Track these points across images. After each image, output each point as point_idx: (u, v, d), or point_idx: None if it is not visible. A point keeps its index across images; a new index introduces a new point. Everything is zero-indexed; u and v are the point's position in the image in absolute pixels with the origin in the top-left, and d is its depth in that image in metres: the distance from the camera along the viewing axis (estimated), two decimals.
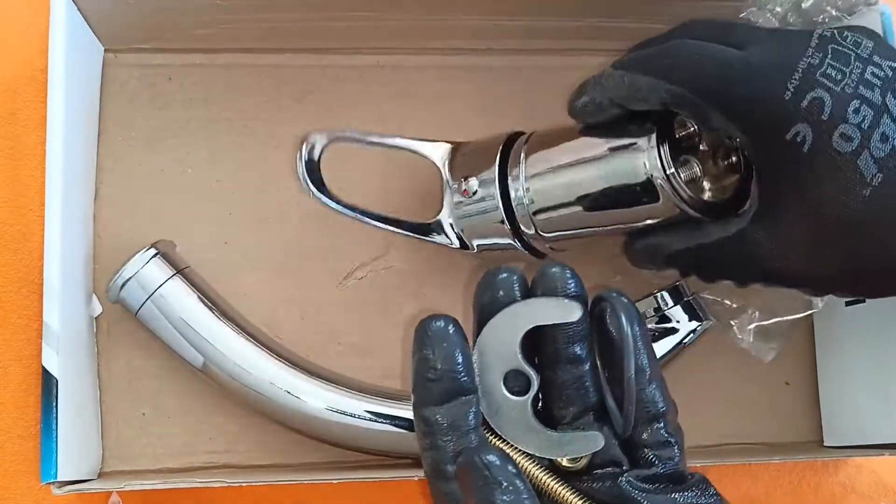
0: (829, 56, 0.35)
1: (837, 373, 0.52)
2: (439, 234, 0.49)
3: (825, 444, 0.53)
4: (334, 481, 0.45)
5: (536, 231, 0.46)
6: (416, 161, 0.50)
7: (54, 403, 0.43)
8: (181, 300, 0.46)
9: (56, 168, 0.44)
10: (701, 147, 0.42)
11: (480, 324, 0.35)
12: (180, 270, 0.47)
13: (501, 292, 0.35)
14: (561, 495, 0.33)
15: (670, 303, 0.48)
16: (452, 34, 0.53)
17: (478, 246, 0.49)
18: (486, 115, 0.54)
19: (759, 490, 0.53)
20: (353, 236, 0.51)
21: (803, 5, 0.50)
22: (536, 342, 0.35)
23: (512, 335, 0.34)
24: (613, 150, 0.42)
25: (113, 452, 0.49)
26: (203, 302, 0.47)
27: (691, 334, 0.49)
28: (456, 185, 0.48)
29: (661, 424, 0.34)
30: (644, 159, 0.40)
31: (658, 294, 0.49)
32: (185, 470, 0.49)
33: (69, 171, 0.45)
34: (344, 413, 0.46)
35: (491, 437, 0.34)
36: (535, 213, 0.45)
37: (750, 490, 0.53)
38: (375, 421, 0.46)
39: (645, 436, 0.34)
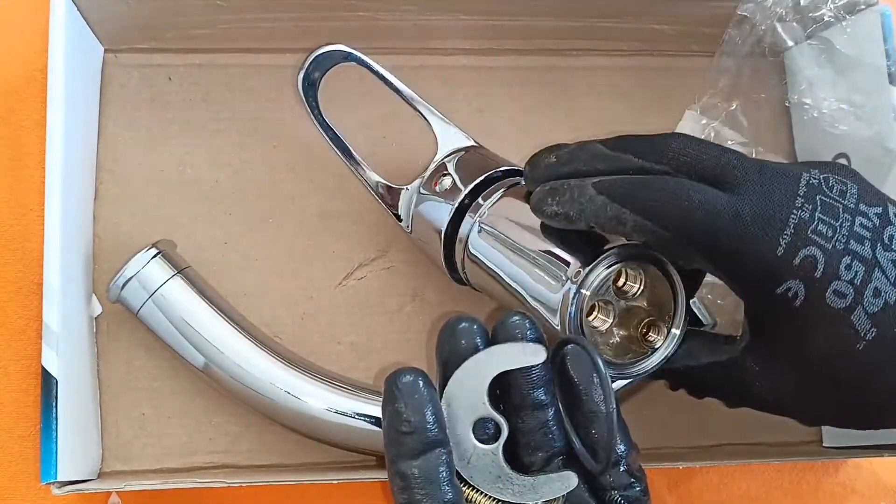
0: (819, 209, 0.35)
1: None
2: (394, 201, 0.49)
3: (824, 444, 0.53)
4: (335, 482, 0.45)
5: (462, 266, 0.46)
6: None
7: (54, 404, 0.43)
8: (182, 300, 0.46)
9: (56, 168, 0.44)
10: (632, 304, 0.40)
11: (445, 374, 0.35)
12: (181, 270, 0.47)
13: (463, 341, 0.35)
14: None
15: None
16: (453, 35, 0.53)
17: (414, 236, 0.49)
18: (486, 116, 0.54)
19: (758, 490, 0.53)
20: (354, 237, 0.51)
21: (801, 2, 0.50)
22: (501, 390, 0.36)
23: (479, 384, 0.35)
24: (548, 257, 0.40)
25: (113, 452, 0.49)
26: (204, 302, 0.47)
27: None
28: (435, 172, 0.48)
29: (625, 467, 0.35)
30: (564, 290, 0.39)
31: None
32: (184, 470, 0.49)
33: (69, 171, 0.45)
34: (344, 414, 0.46)
35: (465, 488, 0.34)
36: (467, 253, 0.45)
37: (750, 490, 0.53)
38: (375, 422, 0.46)
39: (611, 478, 0.35)
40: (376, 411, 0.46)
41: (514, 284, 0.42)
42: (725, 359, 0.39)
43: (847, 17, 0.50)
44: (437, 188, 0.47)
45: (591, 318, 0.40)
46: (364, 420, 0.46)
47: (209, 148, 0.52)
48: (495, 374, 0.35)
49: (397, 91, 0.48)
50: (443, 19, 0.51)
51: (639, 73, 0.56)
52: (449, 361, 0.35)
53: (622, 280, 0.40)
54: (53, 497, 0.43)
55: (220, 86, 0.53)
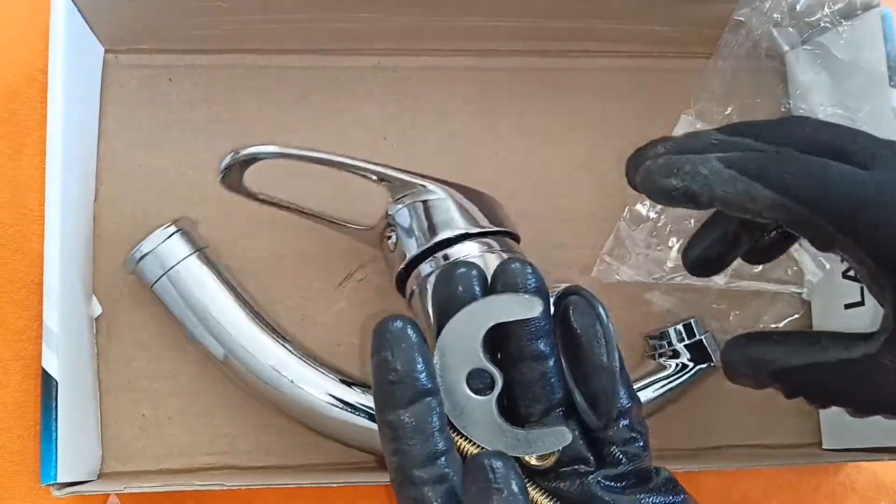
0: None
1: None
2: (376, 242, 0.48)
3: (824, 446, 0.53)
4: (333, 485, 0.45)
5: (409, 299, 0.45)
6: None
7: (54, 405, 0.43)
8: (196, 279, 0.46)
9: (56, 168, 0.44)
10: None
11: (440, 322, 0.34)
12: (199, 249, 0.47)
13: (461, 288, 0.34)
14: (530, 496, 0.33)
15: (684, 338, 0.49)
16: (453, 35, 0.53)
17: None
18: (487, 117, 0.54)
19: (758, 490, 0.53)
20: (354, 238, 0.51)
21: (797, 7, 0.50)
22: (498, 340, 0.35)
23: (473, 334, 0.34)
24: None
25: (112, 453, 0.49)
26: (218, 282, 0.47)
27: (695, 373, 0.50)
28: (387, 226, 0.46)
29: (627, 421, 0.34)
30: None
31: (672, 328, 0.50)
32: (184, 471, 0.49)
33: (69, 171, 0.45)
34: (346, 404, 0.46)
35: (457, 439, 0.34)
36: (420, 292, 0.44)
37: (750, 490, 0.53)
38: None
39: (610, 433, 0.34)
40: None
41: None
42: (860, 355, 0.34)
43: (843, 22, 0.50)
44: (389, 243, 0.46)
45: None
46: (370, 417, 0.46)
47: (209, 149, 0.52)
48: (491, 325, 0.34)
49: (334, 164, 0.45)
50: (443, 20, 0.51)
51: (639, 74, 0.56)
52: (444, 308, 0.34)
53: None
54: (53, 498, 0.43)
55: (220, 86, 0.53)
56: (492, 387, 0.34)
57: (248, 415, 0.50)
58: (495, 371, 0.34)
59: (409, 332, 0.32)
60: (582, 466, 0.34)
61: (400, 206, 0.45)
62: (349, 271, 0.52)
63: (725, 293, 0.52)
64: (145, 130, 0.52)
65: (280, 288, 0.51)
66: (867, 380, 0.34)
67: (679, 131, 0.52)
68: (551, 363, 0.35)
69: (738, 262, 0.43)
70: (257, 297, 0.50)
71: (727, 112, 0.52)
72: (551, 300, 0.35)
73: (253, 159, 0.44)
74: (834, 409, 0.51)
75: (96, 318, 0.49)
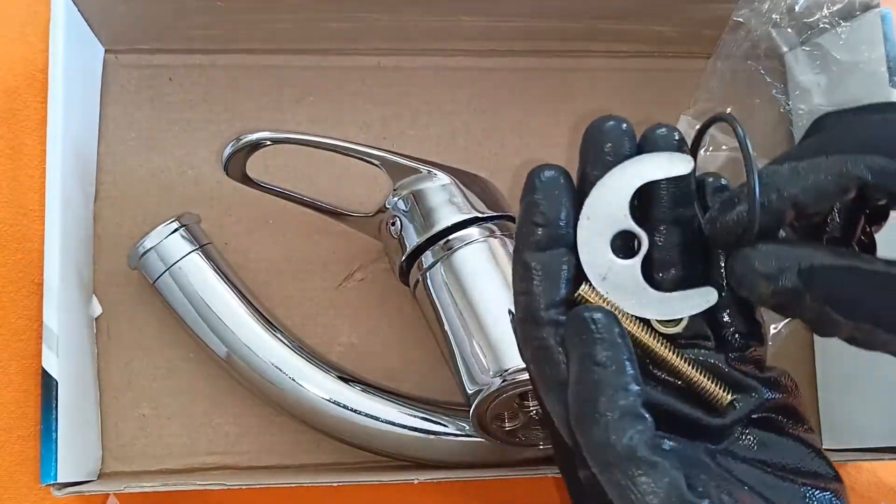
0: None
1: (836, 376, 0.52)
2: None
3: (824, 446, 0.53)
4: (334, 484, 0.45)
5: (413, 289, 0.46)
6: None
7: (54, 405, 0.43)
8: (198, 276, 0.47)
9: (56, 168, 0.44)
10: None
11: (587, 180, 0.34)
12: (201, 246, 0.47)
13: (610, 144, 0.34)
14: (668, 356, 0.33)
15: None
16: (453, 35, 0.53)
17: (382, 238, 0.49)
18: (487, 118, 0.54)
19: None
20: (353, 238, 0.51)
21: (796, 9, 0.50)
22: (642, 203, 0.34)
23: (622, 194, 0.33)
24: (489, 342, 0.42)
25: (113, 453, 0.49)
26: (220, 279, 0.47)
27: None
28: (389, 214, 0.46)
29: (749, 307, 0.34)
30: (485, 383, 0.41)
31: None
32: (184, 471, 0.49)
33: (69, 171, 0.45)
34: (346, 406, 0.46)
35: (593, 296, 0.32)
36: (423, 283, 0.45)
37: None
38: (379, 419, 0.46)
39: (732, 314, 0.34)
40: (381, 408, 0.46)
41: (452, 342, 0.43)
42: None
43: (842, 23, 0.50)
44: (391, 231, 0.46)
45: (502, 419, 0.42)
46: (369, 415, 0.46)
47: (210, 148, 0.52)
48: (640, 185, 0.33)
49: (337, 149, 0.46)
50: (444, 20, 0.51)
51: (640, 74, 0.56)
52: (593, 164, 0.34)
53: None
54: (53, 498, 0.43)
55: (220, 86, 0.53)
56: (636, 250, 0.33)
57: (248, 415, 0.50)
58: (642, 232, 0.33)
59: (562, 181, 0.33)
60: (705, 341, 0.34)
61: (403, 191, 0.45)
62: (349, 271, 0.52)
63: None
64: (145, 130, 0.52)
65: (280, 288, 0.51)
66: None
67: None
68: (694, 230, 0.34)
69: None
70: (257, 297, 0.50)
71: (726, 113, 0.52)
72: None
73: (256, 146, 0.44)
74: (832, 410, 0.51)
75: (96, 318, 0.49)
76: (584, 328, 0.30)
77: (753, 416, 0.34)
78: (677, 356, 0.33)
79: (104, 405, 0.49)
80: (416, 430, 0.46)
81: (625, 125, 0.34)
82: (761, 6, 0.48)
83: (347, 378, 0.47)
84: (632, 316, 0.33)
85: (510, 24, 0.52)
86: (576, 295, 0.32)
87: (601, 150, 0.34)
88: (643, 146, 0.34)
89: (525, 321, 0.32)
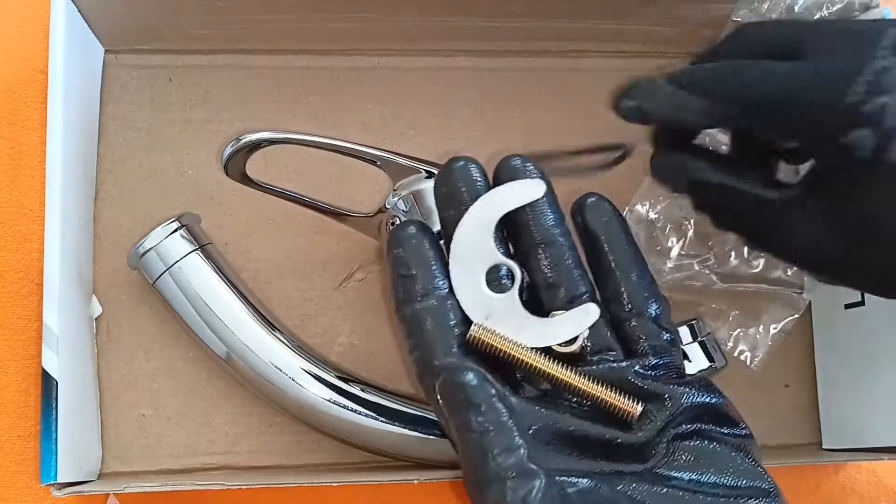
0: None
1: (837, 375, 0.52)
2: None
3: (824, 446, 0.53)
4: (334, 484, 0.45)
5: None
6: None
7: (54, 405, 0.43)
8: (198, 276, 0.46)
9: (56, 169, 0.44)
10: None
11: (445, 224, 0.34)
12: (201, 246, 0.47)
13: (462, 185, 0.34)
14: (566, 377, 0.33)
15: (688, 339, 0.49)
16: (453, 36, 0.53)
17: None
18: (487, 118, 0.54)
19: None
20: (353, 238, 0.51)
21: (795, 9, 0.50)
22: (512, 235, 0.35)
23: (485, 230, 0.34)
24: None
25: (113, 453, 0.49)
26: (220, 279, 0.47)
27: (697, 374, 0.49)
28: (389, 214, 0.46)
29: (654, 312, 0.35)
30: None
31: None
32: (184, 471, 0.49)
33: (69, 171, 0.45)
34: (346, 407, 0.46)
35: (485, 334, 0.33)
36: None
37: None
38: (379, 419, 0.46)
39: (636, 324, 0.34)
40: (381, 408, 0.46)
41: None
42: (773, 198, 0.36)
43: None
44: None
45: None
46: (368, 415, 0.46)
47: (210, 148, 0.52)
48: (501, 216, 0.34)
49: (337, 149, 0.45)
50: (444, 21, 0.51)
51: (640, 74, 0.56)
52: (449, 207, 0.34)
53: None
54: (53, 498, 0.43)
55: (220, 86, 0.53)
56: (512, 282, 0.34)
57: (248, 414, 0.50)
58: (512, 263, 0.34)
59: (422, 233, 0.34)
60: (611, 354, 0.34)
61: (403, 191, 0.45)
62: (349, 271, 0.52)
63: (725, 293, 0.52)
64: (145, 130, 0.52)
65: (280, 288, 0.51)
66: (773, 218, 0.35)
67: None
68: (567, 248, 0.35)
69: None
70: (257, 296, 0.50)
71: None
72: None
73: (256, 146, 0.44)
74: (833, 410, 0.51)
75: (96, 318, 0.49)
76: (456, 396, 0.30)
77: (680, 429, 0.33)
78: (577, 375, 0.33)
79: (104, 405, 0.49)
80: (416, 430, 0.46)
81: (473, 165, 0.35)
82: (760, 7, 0.48)
83: (347, 378, 0.47)
84: (526, 346, 0.33)
85: (510, 25, 0.52)
86: (468, 337, 0.32)
87: (455, 191, 0.34)
88: (497, 177, 0.35)
89: (424, 376, 0.32)
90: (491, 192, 0.34)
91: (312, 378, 0.46)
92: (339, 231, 0.51)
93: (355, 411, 0.46)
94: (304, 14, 0.50)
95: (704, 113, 0.35)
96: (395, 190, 0.45)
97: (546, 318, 0.34)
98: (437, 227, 0.43)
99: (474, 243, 0.34)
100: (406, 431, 0.46)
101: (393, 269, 0.33)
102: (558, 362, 0.33)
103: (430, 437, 0.46)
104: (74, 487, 0.44)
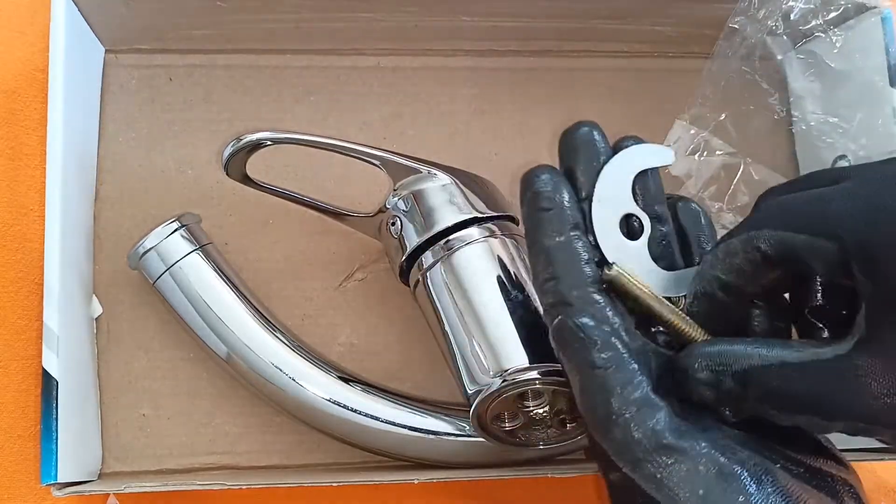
0: None
1: None
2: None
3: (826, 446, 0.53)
4: (335, 484, 0.45)
5: (413, 288, 0.46)
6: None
7: (54, 405, 0.43)
8: (198, 276, 0.46)
9: (56, 169, 0.44)
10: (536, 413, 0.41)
11: (571, 175, 0.36)
12: (201, 246, 0.47)
13: (592, 144, 0.37)
14: (685, 326, 0.34)
15: None
16: (453, 35, 0.53)
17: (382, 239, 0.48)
18: (487, 117, 0.54)
19: None
20: (353, 238, 0.51)
21: (791, 16, 0.50)
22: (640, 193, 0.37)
23: (626, 180, 0.36)
24: (489, 343, 0.41)
25: (113, 453, 0.49)
26: (220, 279, 0.47)
27: None
28: (389, 214, 0.46)
29: None
30: (485, 383, 0.40)
31: None
32: (185, 471, 0.49)
33: (69, 171, 0.45)
34: (346, 407, 0.46)
35: (622, 276, 0.34)
36: (424, 283, 0.44)
37: None
38: (379, 419, 0.46)
39: None
40: (381, 408, 0.46)
41: (452, 342, 0.42)
42: (832, 356, 0.30)
43: (838, 30, 0.50)
44: (392, 231, 0.45)
45: (502, 419, 0.42)
46: (368, 415, 0.46)
47: (210, 148, 0.52)
48: (638, 171, 0.36)
49: (337, 149, 0.45)
50: (444, 20, 0.51)
51: (639, 74, 0.56)
52: (580, 160, 0.36)
53: (527, 400, 0.41)
54: (53, 498, 0.43)
55: (220, 86, 0.53)
56: (641, 232, 0.36)
57: (248, 414, 0.49)
58: (644, 214, 0.36)
59: (559, 177, 0.35)
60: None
61: (403, 191, 0.45)
62: (349, 271, 0.52)
63: None
64: (145, 130, 0.52)
65: (280, 288, 0.51)
66: (837, 381, 0.30)
67: (673, 137, 0.53)
68: (668, 228, 0.38)
69: None
70: (257, 296, 0.50)
71: (721, 118, 0.52)
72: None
73: (256, 146, 0.44)
74: None
75: (96, 318, 0.49)
76: (574, 336, 0.31)
77: None
78: (697, 328, 0.34)
79: (104, 405, 0.49)
80: (416, 430, 0.46)
81: (597, 130, 0.37)
82: (757, 13, 0.48)
83: (347, 378, 0.47)
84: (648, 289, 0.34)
85: (510, 25, 0.52)
86: (605, 276, 0.33)
87: (589, 146, 0.36)
88: (622, 142, 0.37)
89: (556, 305, 0.33)
90: (633, 148, 0.37)
91: (312, 378, 0.46)
92: (340, 231, 0.51)
93: (355, 411, 0.46)
94: (304, 14, 0.50)
95: (810, 249, 0.30)
96: (395, 190, 0.45)
97: (671, 272, 0.36)
98: (437, 228, 0.43)
99: (614, 190, 0.36)
100: (406, 431, 0.46)
101: (532, 203, 0.35)
102: (683, 313, 0.35)
103: (430, 436, 0.46)
104: (75, 487, 0.44)
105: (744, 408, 0.31)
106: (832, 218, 0.30)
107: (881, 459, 0.48)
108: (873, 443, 0.49)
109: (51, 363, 0.43)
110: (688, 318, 0.34)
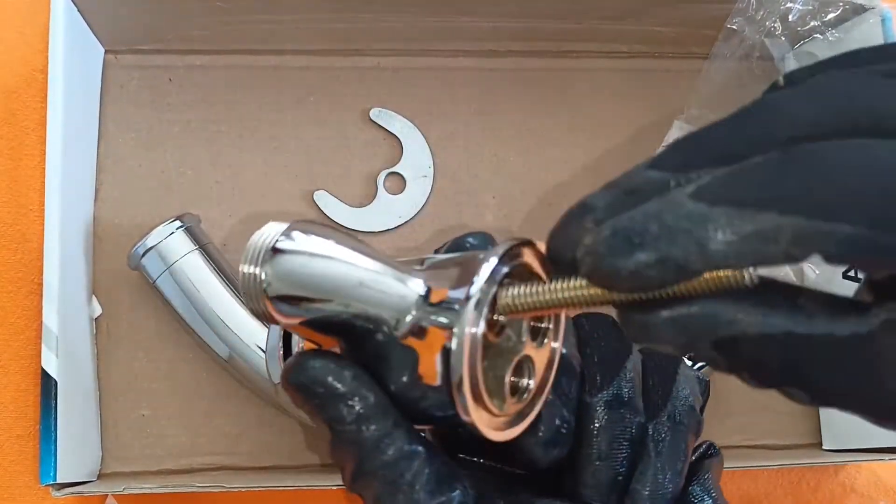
0: None
1: None
2: None
3: (824, 447, 0.53)
4: (333, 487, 0.45)
5: None
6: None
7: (53, 405, 0.43)
8: (198, 275, 0.47)
9: (56, 169, 0.44)
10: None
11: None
12: (202, 245, 0.47)
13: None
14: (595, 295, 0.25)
15: None
16: (454, 36, 0.53)
17: None
18: (488, 118, 0.54)
19: (758, 490, 0.53)
20: None
21: (790, 18, 0.50)
22: None
23: None
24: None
25: (112, 453, 0.49)
26: (219, 279, 0.47)
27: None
28: None
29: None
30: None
31: None
32: (184, 471, 0.49)
33: (69, 171, 0.45)
34: None
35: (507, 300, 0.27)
36: None
37: (750, 490, 0.53)
38: None
39: None
40: None
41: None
42: (849, 333, 0.22)
43: (834, 31, 0.50)
44: None
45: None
46: None
47: (209, 149, 0.52)
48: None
49: None
50: (444, 21, 0.51)
51: (639, 75, 0.56)
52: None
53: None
54: (53, 498, 0.43)
55: (220, 87, 0.53)
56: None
57: (248, 415, 0.49)
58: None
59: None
60: None
61: None
62: None
63: None
64: (145, 130, 0.52)
65: None
66: (854, 359, 0.23)
67: (671, 138, 0.52)
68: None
69: None
70: None
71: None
72: None
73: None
74: (833, 410, 0.51)
75: (96, 318, 0.49)
76: (309, 391, 0.28)
77: None
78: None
79: (104, 405, 0.49)
80: None
81: None
82: (756, 14, 0.48)
83: None
84: None
85: (510, 25, 0.52)
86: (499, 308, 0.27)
87: None
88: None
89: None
90: None
91: None
92: None
93: None
94: (304, 14, 0.50)
95: (809, 239, 0.21)
96: None
97: None
98: None
99: None
100: None
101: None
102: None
103: None
104: (74, 488, 0.44)
105: (715, 368, 0.24)
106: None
107: (881, 460, 0.48)
108: (872, 442, 0.49)
109: (50, 363, 0.43)
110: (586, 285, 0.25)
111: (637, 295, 0.23)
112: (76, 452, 0.45)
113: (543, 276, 0.28)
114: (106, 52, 0.52)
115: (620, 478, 0.31)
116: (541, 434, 0.30)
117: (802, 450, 0.53)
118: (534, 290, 0.26)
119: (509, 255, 0.27)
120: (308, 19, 0.50)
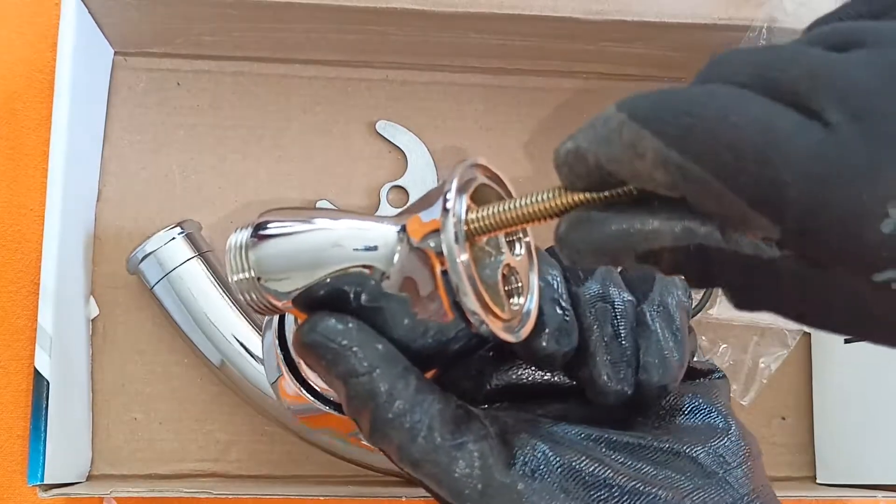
0: None
1: (833, 409, 0.52)
2: None
3: (818, 480, 0.52)
4: (321, 497, 0.45)
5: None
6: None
7: (44, 406, 0.42)
8: (196, 282, 0.47)
9: (58, 168, 0.44)
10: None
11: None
12: (201, 253, 0.47)
13: None
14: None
15: None
16: (462, 52, 0.53)
17: None
18: (494, 134, 0.54)
19: None
20: None
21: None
22: None
23: None
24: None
25: (102, 456, 0.49)
26: (217, 287, 0.47)
27: None
28: None
29: None
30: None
31: None
32: (173, 476, 0.49)
33: (71, 171, 0.45)
34: None
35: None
36: None
37: None
38: None
39: None
40: None
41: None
42: (766, 258, 0.22)
43: None
44: None
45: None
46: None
47: (214, 154, 0.52)
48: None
49: None
50: (454, 37, 0.51)
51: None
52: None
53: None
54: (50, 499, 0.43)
55: (227, 93, 0.53)
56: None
57: (239, 423, 0.49)
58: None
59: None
60: None
61: None
62: None
63: (716, 325, 0.52)
64: (151, 133, 0.52)
65: None
66: (765, 276, 0.23)
67: None
68: None
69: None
70: None
71: None
72: None
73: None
74: (828, 444, 0.51)
75: (92, 320, 0.49)
76: (322, 348, 0.28)
77: None
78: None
79: (96, 407, 0.49)
80: None
81: None
82: (767, 42, 0.48)
83: None
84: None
85: (519, 43, 0.52)
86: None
87: None
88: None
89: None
90: None
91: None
92: None
93: None
94: (314, 24, 0.50)
95: (662, 163, 0.22)
96: None
97: None
98: None
99: None
100: None
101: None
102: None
103: None
104: (61, 489, 0.44)
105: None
106: (795, 207, 0.21)
107: (874, 497, 0.48)
108: (867, 479, 0.48)
109: (43, 364, 0.43)
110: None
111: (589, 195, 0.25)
112: (66, 453, 0.45)
113: (501, 192, 0.31)
114: (115, 53, 0.52)
115: (629, 353, 0.31)
116: (547, 329, 0.30)
117: (796, 482, 0.53)
118: (500, 208, 0.28)
119: (467, 177, 0.30)
120: (317, 29, 0.50)
